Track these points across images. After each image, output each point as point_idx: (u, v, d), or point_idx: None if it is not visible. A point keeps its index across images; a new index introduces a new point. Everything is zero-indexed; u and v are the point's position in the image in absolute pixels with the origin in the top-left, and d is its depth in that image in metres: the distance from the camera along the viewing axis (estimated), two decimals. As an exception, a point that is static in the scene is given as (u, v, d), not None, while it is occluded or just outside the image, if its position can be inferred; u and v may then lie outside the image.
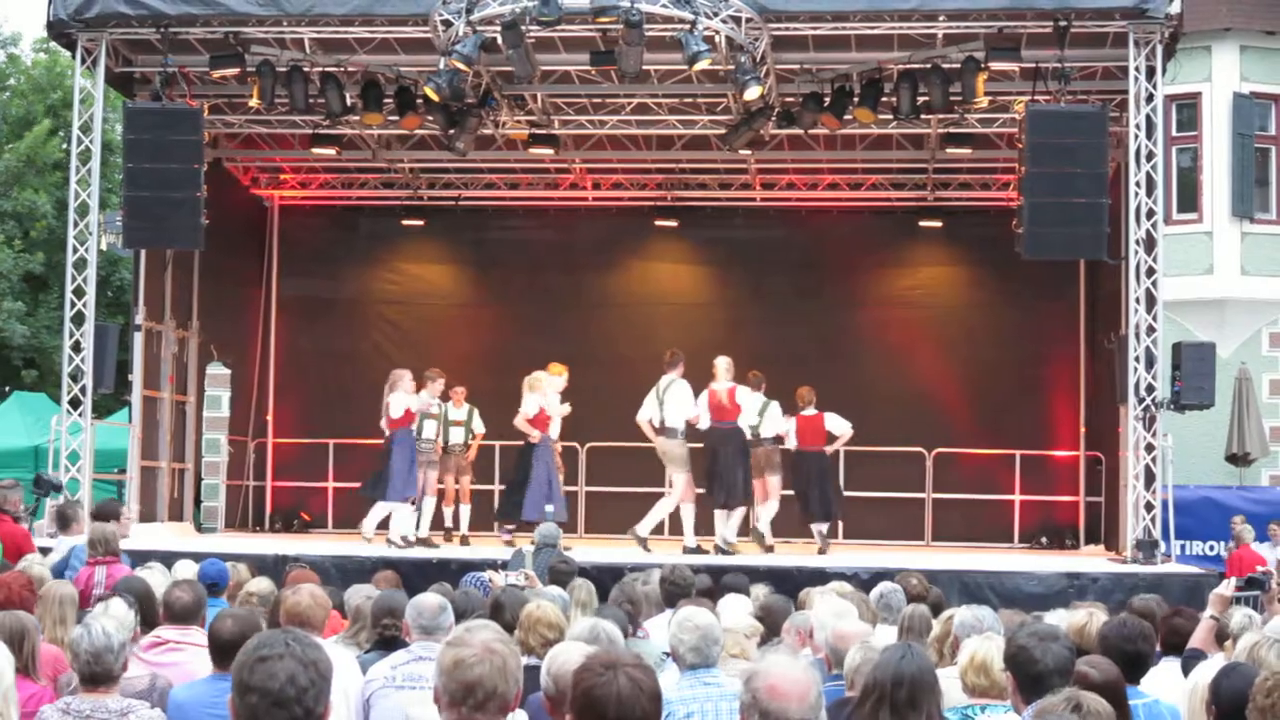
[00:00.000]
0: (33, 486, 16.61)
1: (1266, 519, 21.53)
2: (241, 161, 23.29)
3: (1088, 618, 8.33)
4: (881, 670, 5.49)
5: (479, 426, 19.57)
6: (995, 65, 17.93)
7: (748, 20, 17.19)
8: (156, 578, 10.25)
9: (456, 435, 19.36)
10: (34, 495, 16.82)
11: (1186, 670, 7.89)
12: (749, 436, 18.07)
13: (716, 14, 16.91)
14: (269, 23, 18.12)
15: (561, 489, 18.51)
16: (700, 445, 18.07)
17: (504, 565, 13.45)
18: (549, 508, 17.85)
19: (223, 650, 6.90)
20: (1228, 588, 8.63)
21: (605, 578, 12.47)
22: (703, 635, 6.88)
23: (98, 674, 6.43)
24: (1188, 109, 24.68)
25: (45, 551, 13.19)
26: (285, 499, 23.60)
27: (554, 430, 18.52)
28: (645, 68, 17.91)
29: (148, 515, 19.90)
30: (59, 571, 11.48)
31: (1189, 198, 24.68)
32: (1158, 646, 8.53)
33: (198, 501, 22.18)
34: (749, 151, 21.37)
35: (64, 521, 14.06)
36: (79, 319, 18.34)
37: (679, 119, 20.70)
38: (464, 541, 18.97)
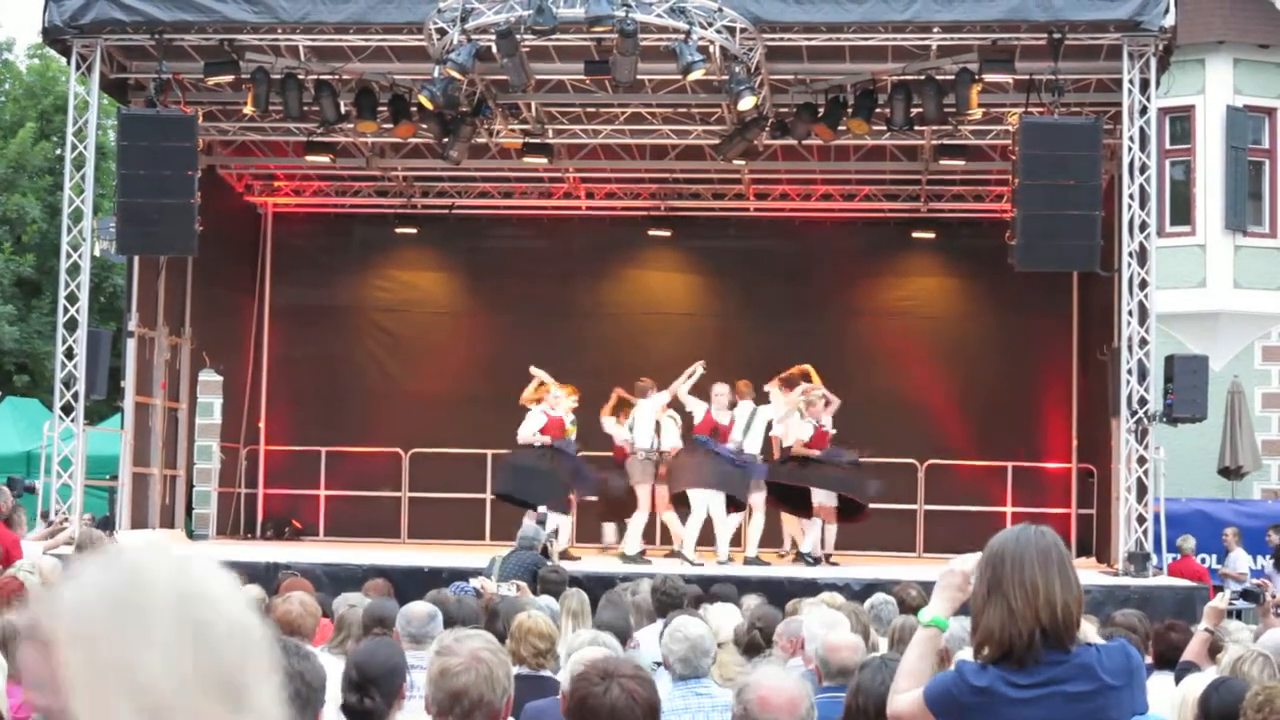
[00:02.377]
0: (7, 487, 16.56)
1: (1258, 532, 21.52)
2: (235, 168, 23.27)
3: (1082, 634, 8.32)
4: (864, 695, 5.47)
5: (670, 437, 18.77)
6: (989, 77, 17.97)
7: (742, 30, 17.21)
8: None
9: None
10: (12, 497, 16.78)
11: (1179, 683, 7.88)
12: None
13: (711, 24, 16.92)
14: (264, 30, 18.11)
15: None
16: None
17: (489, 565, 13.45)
18: (541, 509, 17.82)
19: None
20: (1222, 600, 8.62)
21: (596, 587, 12.46)
22: (692, 646, 6.87)
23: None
24: (1181, 122, 24.67)
25: None
26: (277, 506, 23.55)
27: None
28: (639, 77, 17.91)
29: (139, 522, 19.87)
30: None
31: (1182, 210, 24.67)
32: (1149, 660, 8.53)
33: (189, 508, 22.15)
34: (743, 162, 21.35)
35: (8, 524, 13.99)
36: (72, 325, 18.31)
37: (673, 129, 20.72)
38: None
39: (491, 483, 19.13)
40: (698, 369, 18.23)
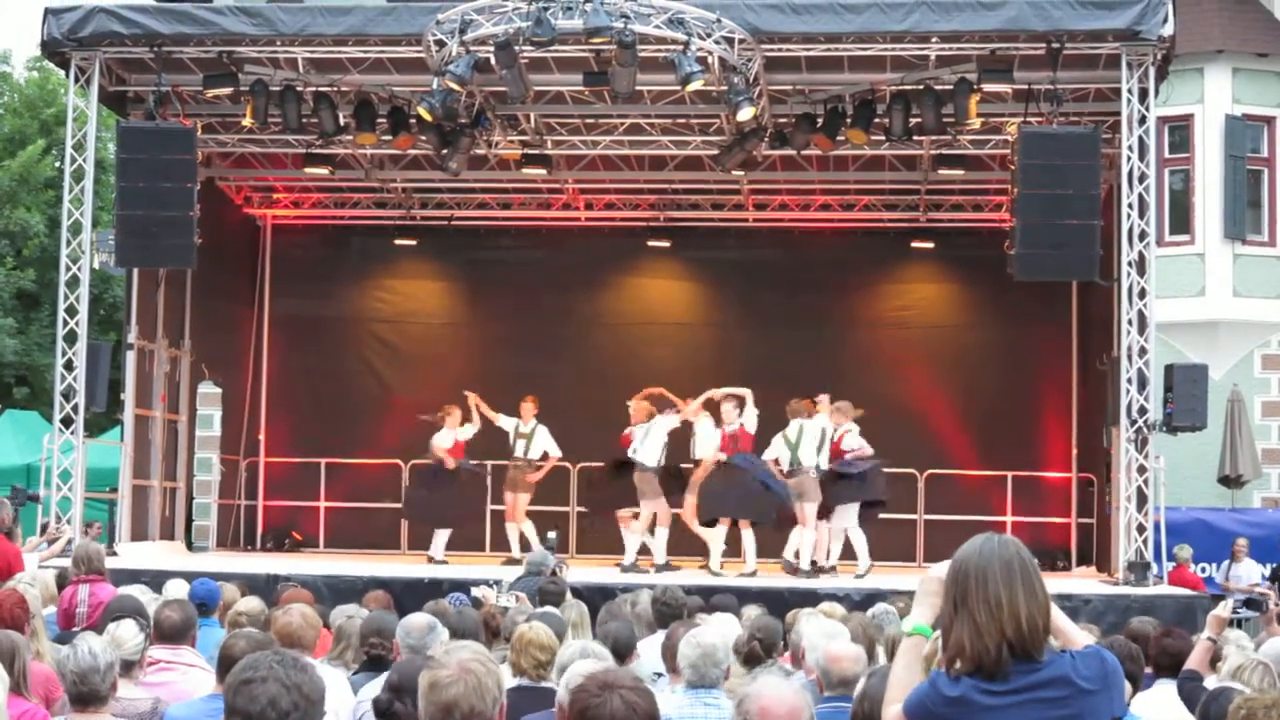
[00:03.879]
0: (10, 498, 16.54)
1: (1259, 541, 21.53)
2: (234, 180, 23.28)
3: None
4: (870, 702, 5.47)
5: (548, 446, 19.43)
6: (988, 87, 17.97)
7: (741, 41, 17.21)
8: (144, 598, 10.21)
9: (519, 449, 19.45)
10: (13, 508, 16.78)
11: (1182, 691, 7.87)
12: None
13: (710, 35, 16.93)
14: (262, 42, 18.12)
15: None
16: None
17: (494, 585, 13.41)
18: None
19: (229, 670, 6.88)
20: (1225, 609, 8.60)
21: (596, 598, 12.46)
22: (704, 654, 6.86)
23: (85, 694, 6.40)
24: (1180, 131, 24.71)
25: None
26: (277, 518, 23.54)
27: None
28: (638, 88, 17.93)
29: (139, 534, 19.86)
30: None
31: (1181, 219, 24.70)
32: (1148, 668, 8.52)
33: (189, 520, 22.13)
34: (741, 172, 21.38)
35: None
36: (71, 337, 18.30)
37: (672, 139, 20.72)
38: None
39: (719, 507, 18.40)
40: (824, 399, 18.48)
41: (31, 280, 35.80)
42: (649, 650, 9.35)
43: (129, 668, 7.29)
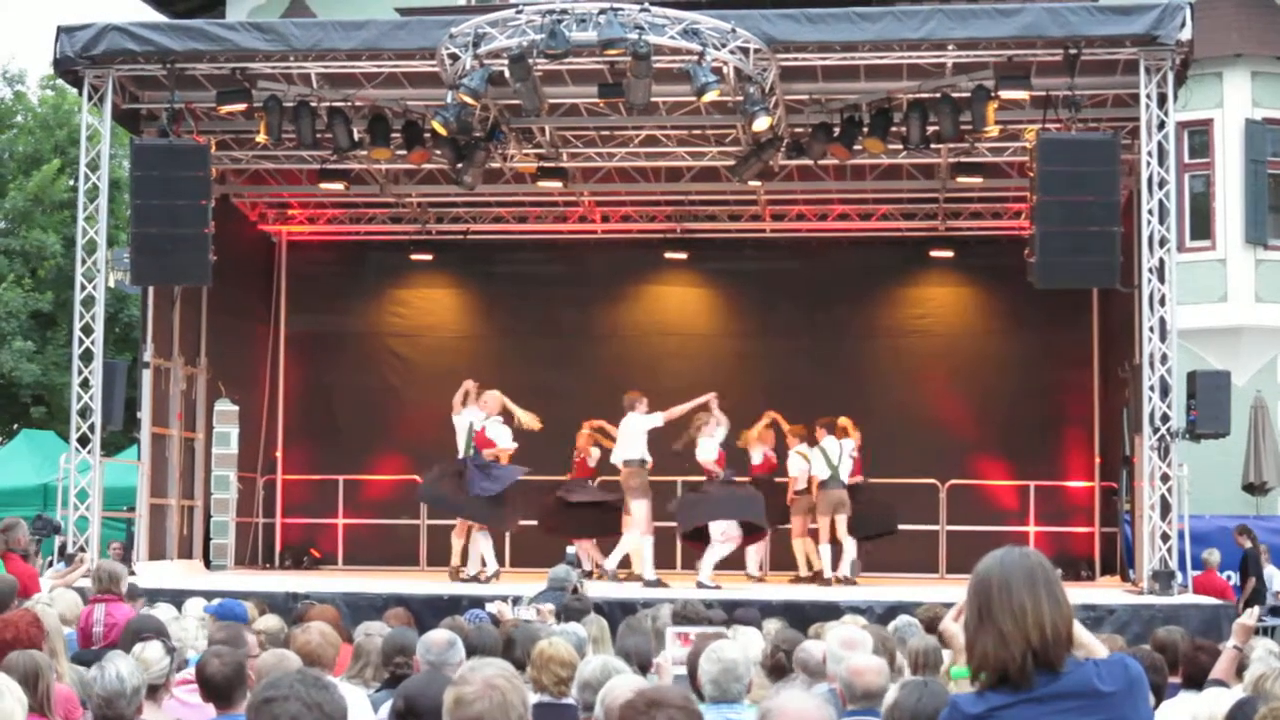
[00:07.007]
0: (32, 527, 16.49)
1: (1280, 550, 21.42)
2: (249, 197, 23.26)
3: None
4: (901, 710, 5.41)
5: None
6: (1005, 94, 17.88)
7: (756, 51, 17.15)
8: (167, 616, 10.17)
9: None
10: (34, 536, 16.74)
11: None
12: None
13: (725, 45, 16.87)
14: (276, 58, 18.10)
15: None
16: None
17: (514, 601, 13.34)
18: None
19: (210, 688, 6.83)
20: (1251, 617, 8.52)
21: (617, 613, 12.38)
22: (724, 669, 6.78)
23: (110, 718, 6.36)
24: (1200, 135, 24.61)
25: None
26: (295, 535, 23.52)
27: None
28: (653, 100, 17.86)
29: (157, 553, 19.82)
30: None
31: (1202, 225, 24.59)
32: (1176, 679, 8.43)
33: (207, 539, 22.08)
34: (758, 183, 21.31)
35: None
36: (87, 356, 18.27)
37: (688, 151, 20.67)
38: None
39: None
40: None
41: (49, 301, 35.80)
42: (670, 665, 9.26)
43: (154, 691, 7.24)
